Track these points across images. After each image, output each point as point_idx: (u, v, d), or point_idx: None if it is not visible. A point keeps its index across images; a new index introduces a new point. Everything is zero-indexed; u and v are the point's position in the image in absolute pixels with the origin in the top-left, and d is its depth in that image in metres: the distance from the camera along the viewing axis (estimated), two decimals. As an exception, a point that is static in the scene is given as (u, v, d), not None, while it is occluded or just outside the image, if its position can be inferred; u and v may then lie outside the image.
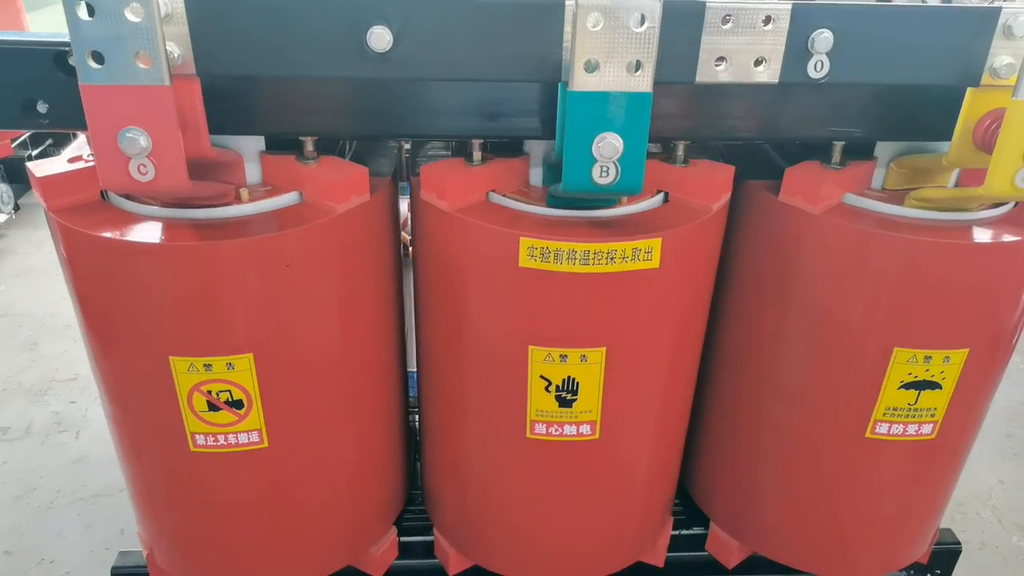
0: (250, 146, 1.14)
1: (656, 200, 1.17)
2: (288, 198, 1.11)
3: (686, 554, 1.60)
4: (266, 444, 1.19)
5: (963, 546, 2.06)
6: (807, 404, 1.30)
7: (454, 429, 1.34)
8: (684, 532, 1.61)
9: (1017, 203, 1.21)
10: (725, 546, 1.53)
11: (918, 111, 1.11)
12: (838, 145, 1.18)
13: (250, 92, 1.04)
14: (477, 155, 1.15)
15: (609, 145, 0.93)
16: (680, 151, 1.17)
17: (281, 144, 1.15)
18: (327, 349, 1.17)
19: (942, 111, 1.08)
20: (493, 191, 1.16)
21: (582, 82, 0.90)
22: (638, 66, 0.90)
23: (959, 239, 1.10)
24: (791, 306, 1.24)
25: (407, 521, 1.60)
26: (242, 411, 1.16)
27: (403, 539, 1.57)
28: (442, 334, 1.25)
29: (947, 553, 1.63)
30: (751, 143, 1.38)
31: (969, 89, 1.02)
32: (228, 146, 1.13)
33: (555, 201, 1.13)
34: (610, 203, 1.13)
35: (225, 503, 1.26)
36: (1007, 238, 1.12)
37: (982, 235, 1.12)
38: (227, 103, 1.04)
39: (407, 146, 1.40)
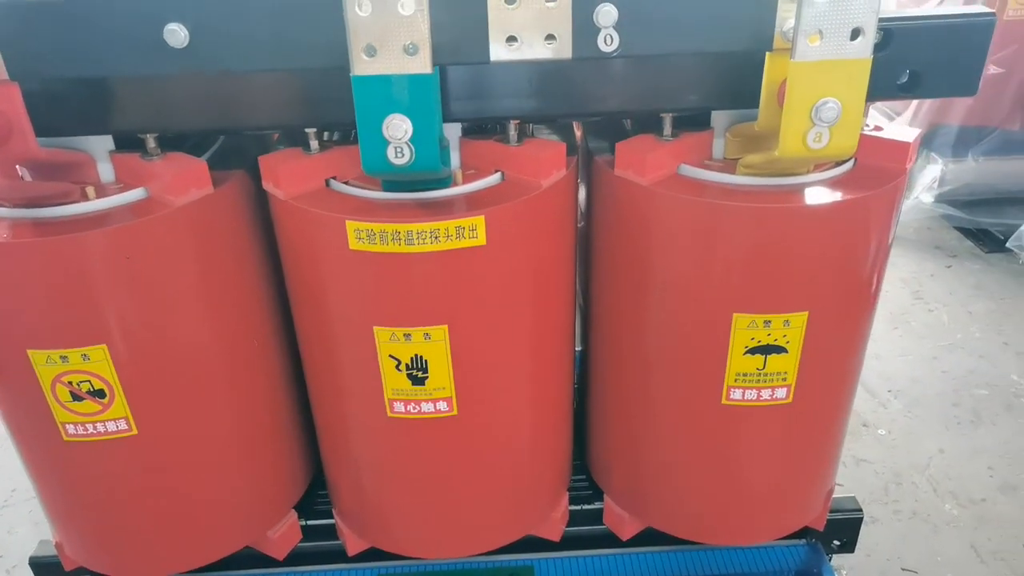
0: (98, 146, 1.19)
1: (492, 179, 1.20)
2: (132, 194, 1.16)
3: (585, 528, 1.63)
4: (135, 431, 1.25)
5: (895, 516, 2.07)
6: (666, 374, 1.32)
7: (331, 412, 1.39)
8: (586, 507, 1.64)
9: (856, 161, 1.23)
10: (619, 519, 1.56)
11: (737, 78, 1.13)
12: (667, 117, 1.20)
13: (79, 94, 1.09)
14: (314, 143, 1.19)
15: (397, 127, 0.97)
16: (512, 130, 1.20)
17: (134, 142, 1.21)
18: (184, 338, 1.22)
19: (758, 76, 1.10)
20: (334, 178, 1.20)
21: (362, 67, 0.94)
22: (414, 49, 0.93)
23: (776, 203, 1.12)
24: (639, 277, 1.27)
25: (319, 504, 1.65)
26: (105, 400, 1.21)
27: (312, 522, 1.62)
28: (304, 319, 1.30)
29: (848, 521, 1.64)
30: (613, 119, 1.40)
31: (767, 53, 1.04)
32: (78, 147, 1.19)
33: (391, 185, 1.17)
34: (444, 184, 1.17)
35: (105, 490, 1.32)
36: (831, 199, 1.13)
37: (804, 198, 1.13)
38: (63, 106, 1.10)
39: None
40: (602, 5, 0.98)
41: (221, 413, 1.33)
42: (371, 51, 0.93)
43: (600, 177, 1.27)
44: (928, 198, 3.60)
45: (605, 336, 1.43)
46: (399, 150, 0.99)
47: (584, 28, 0.99)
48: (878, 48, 1.10)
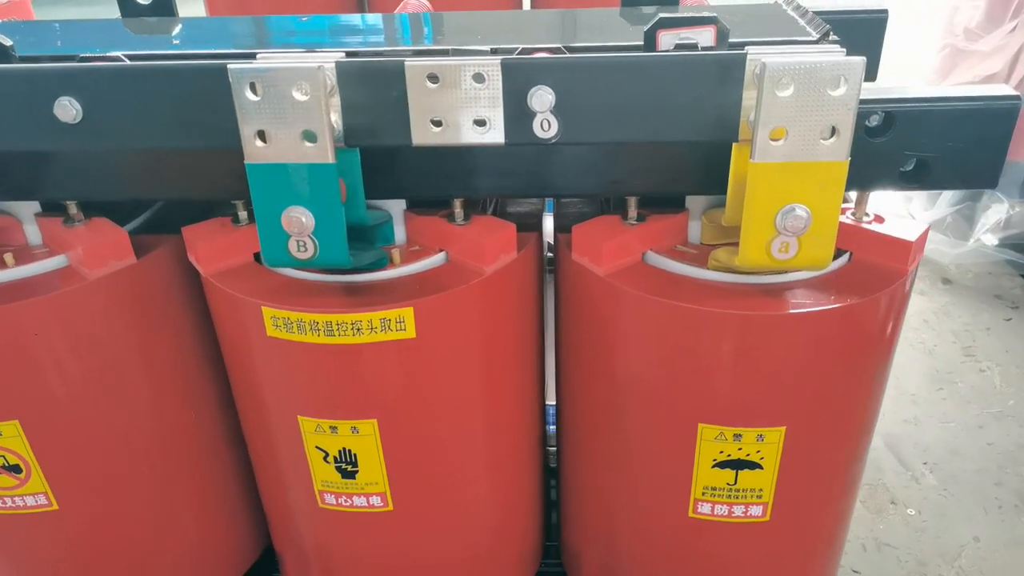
0: (24, 209, 1.13)
1: (434, 261, 1.08)
2: (50, 263, 1.09)
3: (553, 620, 1.50)
4: (56, 507, 1.18)
5: (915, 613, 1.87)
6: (630, 477, 1.18)
7: (269, 492, 1.30)
8: (557, 595, 1.52)
9: (852, 257, 1.07)
10: (587, 615, 1.43)
11: (708, 162, 0.98)
12: (632, 200, 1.06)
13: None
14: (243, 214, 1.10)
15: (295, 220, 0.86)
16: (457, 208, 1.08)
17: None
18: (105, 412, 1.15)
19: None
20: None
21: (255, 154, 0.84)
22: (313, 136, 0.83)
23: (748, 309, 0.97)
24: (598, 370, 1.13)
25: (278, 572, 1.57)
26: (21, 475, 1.15)
27: (266, 589, 1.54)
28: (237, 395, 1.21)
29: (848, 633, 1.47)
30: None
31: (734, 144, 0.89)
32: (3, 209, 1.13)
33: (323, 264, 1.06)
34: (380, 265, 1.06)
35: (29, 563, 1.25)
36: (814, 306, 0.97)
37: (782, 303, 0.98)
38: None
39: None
40: (536, 88, 0.85)
41: (152, 486, 1.25)
42: (264, 137, 0.83)
43: (561, 257, 1.14)
44: (991, 240, 3.31)
45: (569, 430, 1.30)
46: (301, 243, 0.88)
47: (518, 112, 0.87)
48: (877, 133, 0.95)
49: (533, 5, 2.94)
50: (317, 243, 0.88)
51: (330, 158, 0.84)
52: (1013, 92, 0.93)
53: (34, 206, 1.13)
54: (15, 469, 1.14)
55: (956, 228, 3.27)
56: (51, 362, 1.08)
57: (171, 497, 1.29)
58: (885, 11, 1.32)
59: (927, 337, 2.91)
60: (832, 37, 1.06)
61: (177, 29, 1.31)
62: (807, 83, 0.77)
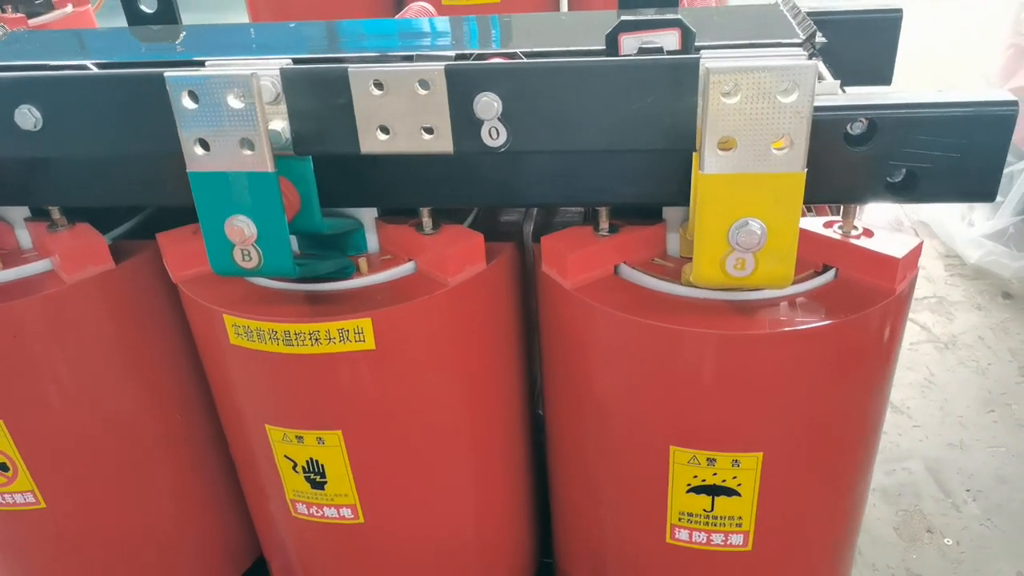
0: (15, 214, 1.16)
1: (400, 271, 1.06)
2: (34, 267, 1.12)
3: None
4: (43, 505, 1.21)
5: (946, 651, 1.75)
6: (609, 498, 1.14)
7: (250, 496, 1.30)
8: (550, 614, 1.48)
9: (838, 273, 1.00)
10: (575, 637, 1.38)
11: (675, 171, 0.93)
12: (603, 210, 1.02)
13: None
14: (216, 222, 1.10)
15: (237, 229, 0.85)
16: (425, 216, 1.05)
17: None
18: (89, 414, 1.17)
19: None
20: (235, 259, 1.11)
21: (197, 163, 0.83)
22: (251, 144, 0.82)
23: (717, 328, 0.91)
24: (570, 387, 1.09)
25: None
26: (9, 473, 1.18)
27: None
28: (217, 406, 1.22)
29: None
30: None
31: (694, 153, 0.84)
32: (-2, 214, 1.17)
33: (291, 271, 1.06)
34: (346, 273, 1.05)
35: (20, 560, 1.29)
36: (789, 326, 0.91)
37: (754, 321, 0.92)
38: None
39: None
40: (480, 96, 0.82)
41: (139, 487, 1.27)
42: (205, 145, 0.82)
43: (536, 268, 1.11)
44: (1060, 252, 3.10)
45: (555, 436, 1.25)
46: (246, 253, 0.88)
47: (465, 120, 0.84)
48: (859, 142, 0.88)
49: (571, 7, 2.91)
50: (261, 252, 0.87)
51: (269, 167, 0.82)
52: (1010, 97, 0.85)
53: (24, 211, 1.16)
54: (2, 467, 1.17)
55: (1019, 239, 3.07)
56: (32, 363, 1.10)
57: (158, 499, 1.31)
58: (899, 10, 1.24)
59: (981, 355, 2.74)
60: (819, 39, 0.99)
61: (180, 37, 1.33)
62: (755, 89, 0.72)
